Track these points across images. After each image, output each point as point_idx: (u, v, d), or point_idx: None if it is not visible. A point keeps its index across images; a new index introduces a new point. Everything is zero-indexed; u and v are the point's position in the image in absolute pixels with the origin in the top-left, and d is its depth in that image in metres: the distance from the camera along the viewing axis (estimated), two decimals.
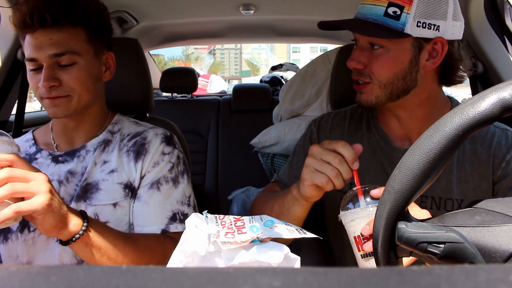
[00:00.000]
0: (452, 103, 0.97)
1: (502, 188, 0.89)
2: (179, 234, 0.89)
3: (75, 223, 0.74)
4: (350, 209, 0.72)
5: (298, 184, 0.84)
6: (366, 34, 0.85)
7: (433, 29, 0.83)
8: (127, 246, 0.81)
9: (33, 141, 0.99)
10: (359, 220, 0.71)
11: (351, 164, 0.76)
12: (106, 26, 0.96)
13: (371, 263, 0.69)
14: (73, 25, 0.87)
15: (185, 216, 0.93)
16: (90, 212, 0.90)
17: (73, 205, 0.90)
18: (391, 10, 0.81)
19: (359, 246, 0.71)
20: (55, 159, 0.95)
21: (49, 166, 0.94)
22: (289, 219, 0.87)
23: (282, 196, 0.91)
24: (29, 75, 0.89)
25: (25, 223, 0.89)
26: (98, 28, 0.92)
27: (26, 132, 1.06)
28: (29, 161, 0.94)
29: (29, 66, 0.88)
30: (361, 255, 0.71)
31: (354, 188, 0.74)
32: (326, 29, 0.92)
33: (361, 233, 0.70)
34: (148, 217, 0.91)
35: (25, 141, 1.00)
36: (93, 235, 0.76)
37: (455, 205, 0.90)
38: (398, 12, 0.81)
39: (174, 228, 0.90)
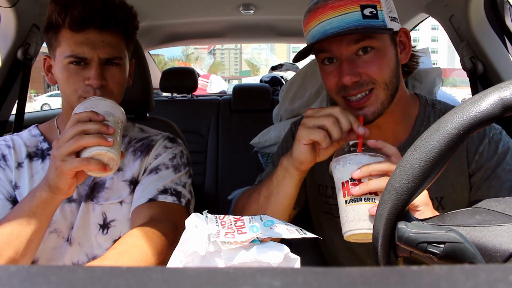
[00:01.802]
0: (419, 98, 0.97)
1: (477, 180, 0.89)
2: (167, 204, 0.90)
3: None
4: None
5: (288, 153, 0.85)
6: (366, 31, 0.81)
7: (397, 22, 0.85)
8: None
9: (42, 137, 0.99)
10: (350, 166, 0.71)
11: (356, 126, 0.77)
12: (135, 36, 1.02)
13: (355, 208, 0.69)
14: (119, 31, 0.92)
15: (178, 193, 0.93)
16: (98, 210, 0.92)
17: (82, 204, 0.92)
18: (367, 11, 0.81)
19: (346, 191, 0.70)
20: None
21: None
22: (279, 198, 0.87)
23: (270, 177, 0.91)
24: (71, 71, 0.88)
25: None
26: (132, 37, 0.99)
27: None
28: (41, 156, 0.95)
29: (70, 60, 0.88)
30: (345, 200, 0.70)
31: (351, 142, 0.76)
32: (303, 58, 0.88)
33: (350, 178, 0.70)
34: (139, 193, 0.92)
35: (32, 136, 0.99)
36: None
37: (435, 203, 0.90)
38: (374, 11, 0.81)
39: (163, 198, 0.91)
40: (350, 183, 0.70)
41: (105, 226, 0.93)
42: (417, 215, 0.67)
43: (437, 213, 0.69)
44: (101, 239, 0.92)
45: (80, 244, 0.92)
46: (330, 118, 0.77)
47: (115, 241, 0.93)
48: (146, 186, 0.93)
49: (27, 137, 0.99)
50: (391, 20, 0.83)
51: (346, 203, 0.70)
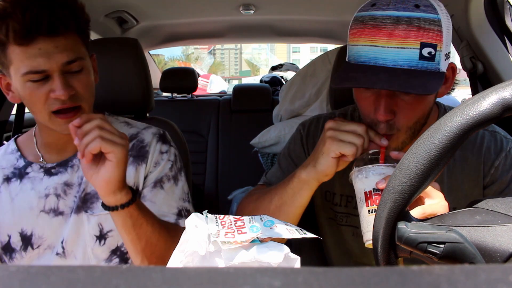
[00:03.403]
0: (439, 108, 0.95)
1: (490, 193, 0.89)
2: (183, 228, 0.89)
3: (127, 192, 0.77)
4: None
5: (309, 165, 0.83)
6: (425, 93, 0.73)
7: (449, 57, 0.79)
8: (162, 231, 0.82)
9: (19, 153, 0.93)
10: (373, 176, 0.72)
11: (378, 140, 0.77)
12: (89, 30, 0.91)
13: None
14: (70, 31, 0.82)
15: (189, 212, 0.93)
16: (93, 222, 0.88)
17: (73, 217, 0.88)
18: (425, 51, 0.72)
19: (369, 201, 0.71)
20: (48, 172, 0.91)
21: (43, 180, 0.90)
22: (292, 208, 0.86)
23: (282, 186, 0.89)
24: (31, 89, 0.79)
25: (27, 242, 0.88)
26: (86, 32, 0.89)
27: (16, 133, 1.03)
28: (19, 176, 0.91)
29: (29, 78, 0.78)
30: (368, 210, 0.72)
31: (371, 151, 0.76)
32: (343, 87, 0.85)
33: (374, 188, 0.71)
34: (156, 215, 0.90)
35: (9, 153, 0.94)
36: (139, 209, 0.79)
37: None
38: (433, 52, 0.73)
39: (182, 223, 0.90)
40: (373, 193, 0.71)
41: (102, 237, 0.89)
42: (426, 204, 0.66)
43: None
44: (98, 250, 0.90)
45: (75, 257, 0.89)
46: (360, 139, 0.76)
47: (112, 251, 0.91)
48: (159, 206, 0.90)
49: (3, 155, 0.94)
50: (445, 59, 0.76)
51: (369, 213, 0.72)
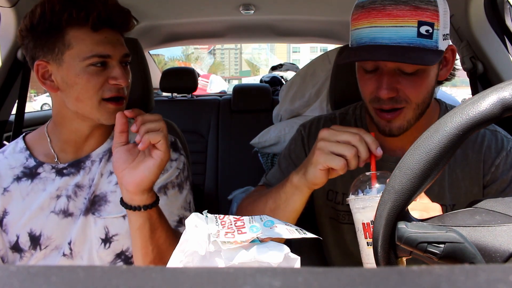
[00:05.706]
0: (440, 105, 0.96)
1: (491, 192, 0.89)
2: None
3: (152, 194, 0.79)
4: (361, 194, 0.71)
5: (300, 171, 0.82)
6: (422, 64, 0.77)
7: (448, 39, 0.81)
8: (173, 240, 0.83)
9: (28, 152, 0.92)
10: (371, 208, 0.69)
11: (374, 148, 0.74)
12: None
13: None
14: (126, 31, 0.91)
15: None
16: (100, 225, 0.89)
17: (82, 218, 0.89)
18: (423, 29, 0.76)
19: (367, 233, 0.70)
20: (60, 172, 0.91)
21: (55, 181, 0.90)
22: (286, 212, 0.85)
23: (277, 189, 0.88)
24: (91, 73, 0.83)
25: (36, 242, 0.88)
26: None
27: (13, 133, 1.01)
28: (29, 175, 0.90)
29: (92, 61, 0.83)
30: (367, 242, 0.70)
31: (367, 173, 0.73)
32: (347, 62, 0.85)
33: (372, 220, 0.69)
34: None
35: (18, 152, 0.93)
36: (158, 213, 0.81)
37: (448, 210, 0.90)
38: (430, 30, 0.76)
39: (182, 230, 0.89)
40: (371, 225, 0.69)
41: (107, 240, 0.89)
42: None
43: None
44: (103, 253, 0.90)
45: (82, 258, 0.89)
46: (352, 150, 0.74)
47: (117, 254, 0.91)
48: None
49: (12, 154, 0.93)
50: (444, 39, 0.79)
51: (368, 245, 0.71)
